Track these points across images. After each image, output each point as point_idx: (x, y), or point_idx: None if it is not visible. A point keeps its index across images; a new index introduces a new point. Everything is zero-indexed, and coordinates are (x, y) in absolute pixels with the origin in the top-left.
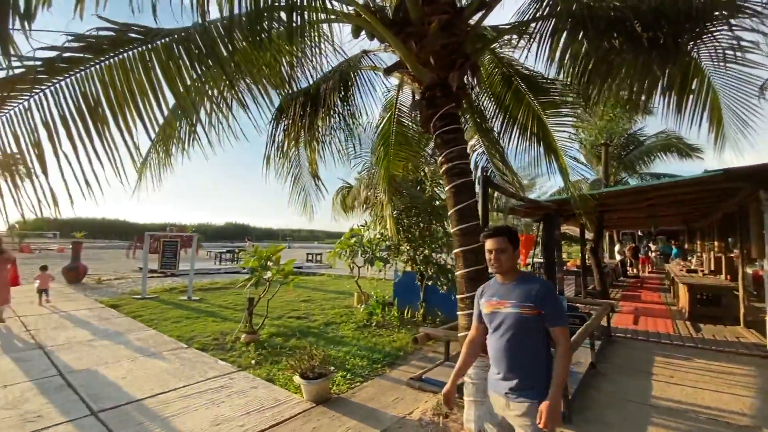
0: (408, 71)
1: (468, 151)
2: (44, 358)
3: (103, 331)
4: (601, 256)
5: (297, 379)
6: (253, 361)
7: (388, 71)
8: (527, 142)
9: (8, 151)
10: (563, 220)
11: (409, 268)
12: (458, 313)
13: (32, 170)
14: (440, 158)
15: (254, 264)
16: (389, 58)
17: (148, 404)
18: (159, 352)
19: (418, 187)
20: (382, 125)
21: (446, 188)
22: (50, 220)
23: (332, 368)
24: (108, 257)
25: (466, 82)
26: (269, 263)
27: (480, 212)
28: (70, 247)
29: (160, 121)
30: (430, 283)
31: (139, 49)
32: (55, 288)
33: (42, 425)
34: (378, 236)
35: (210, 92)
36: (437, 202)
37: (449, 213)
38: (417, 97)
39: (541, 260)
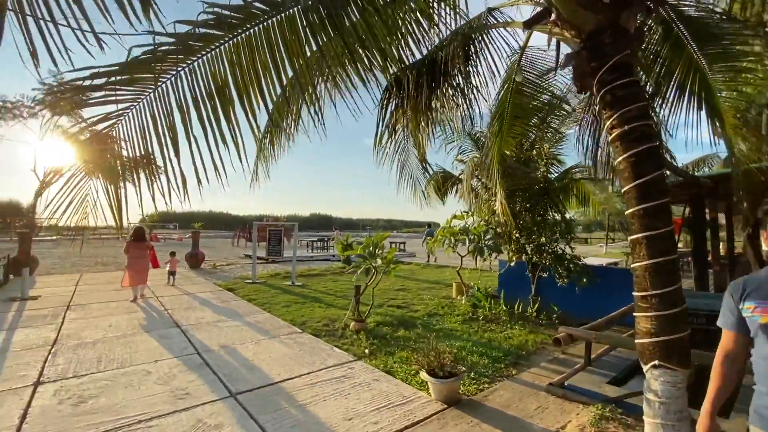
0: (558, 19)
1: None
2: (182, 336)
3: (226, 312)
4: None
5: (424, 375)
6: (366, 351)
7: (530, 24)
8: (683, 104)
9: (146, 133)
10: (710, 200)
11: (515, 258)
12: (637, 314)
13: (168, 158)
14: (610, 121)
15: (360, 251)
16: (517, 12)
17: (279, 389)
18: (277, 335)
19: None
20: (499, 96)
21: (619, 159)
22: (171, 212)
23: (463, 368)
24: (218, 245)
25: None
26: (377, 251)
27: None
28: (190, 236)
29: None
30: (545, 275)
31: (265, 24)
32: (180, 272)
33: (191, 403)
34: (483, 223)
35: (326, 68)
36: (553, 185)
37: (624, 189)
38: (570, 50)
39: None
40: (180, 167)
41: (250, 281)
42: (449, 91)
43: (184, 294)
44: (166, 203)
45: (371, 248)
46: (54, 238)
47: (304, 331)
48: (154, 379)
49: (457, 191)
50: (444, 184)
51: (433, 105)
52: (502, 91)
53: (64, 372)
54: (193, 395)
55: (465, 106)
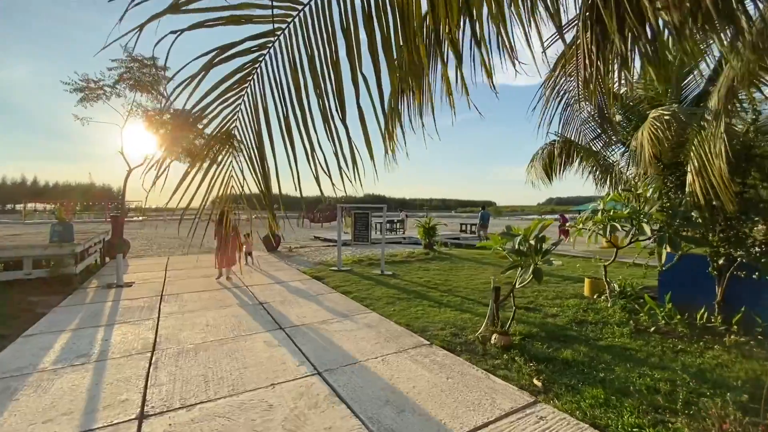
0: None
1: None
2: (290, 343)
3: (327, 310)
4: None
5: None
6: (535, 381)
7: None
8: None
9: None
10: None
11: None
12: None
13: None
14: None
15: (500, 243)
16: None
17: None
18: (403, 348)
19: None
20: None
21: None
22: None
23: None
24: (284, 226)
25: None
26: (538, 244)
27: None
28: (256, 217)
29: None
30: (741, 274)
31: None
32: (258, 255)
33: None
34: (655, 203)
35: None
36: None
37: None
38: None
39: None
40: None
41: (336, 268)
42: None
43: (274, 282)
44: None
45: (533, 241)
46: (140, 219)
47: (433, 343)
48: (281, 420)
49: (580, 164)
50: (561, 155)
51: None
52: None
53: (170, 398)
54: None
55: None
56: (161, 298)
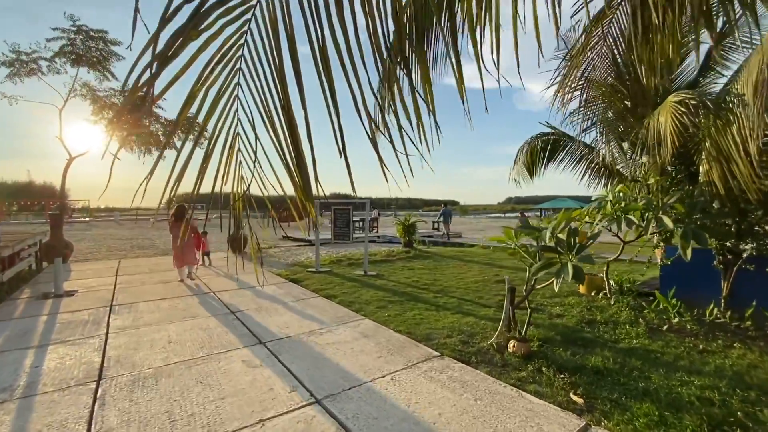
0: None
1: None
2: (275, 363)
3: (311, 318)
4: None
5: None
6: (573, 396)
7: None
8: None
9: None
10: None
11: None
12: None
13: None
14: None
15: (515, 238)
16: None
17: None
18: (412, 362)
19: None
20: None
21: None
22: (193, 194)
23: None
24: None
25: None
26: (571, 239)
27: None
28: (217, 217)
29: None
30: (751, 268)
31: None
32: (224, 257)
33: None
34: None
35: None
36: None
37: None
38: None
39: None
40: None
41: (314, 270)
42: None
43: (245, 287)
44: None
45: (561, 235)
46: (87, 219)
47: (443, 354)
48: None
49: (567, 157)
50: (545, 150)
51: None
52: None
53: None
54: None
55: None
56: (110, 310)
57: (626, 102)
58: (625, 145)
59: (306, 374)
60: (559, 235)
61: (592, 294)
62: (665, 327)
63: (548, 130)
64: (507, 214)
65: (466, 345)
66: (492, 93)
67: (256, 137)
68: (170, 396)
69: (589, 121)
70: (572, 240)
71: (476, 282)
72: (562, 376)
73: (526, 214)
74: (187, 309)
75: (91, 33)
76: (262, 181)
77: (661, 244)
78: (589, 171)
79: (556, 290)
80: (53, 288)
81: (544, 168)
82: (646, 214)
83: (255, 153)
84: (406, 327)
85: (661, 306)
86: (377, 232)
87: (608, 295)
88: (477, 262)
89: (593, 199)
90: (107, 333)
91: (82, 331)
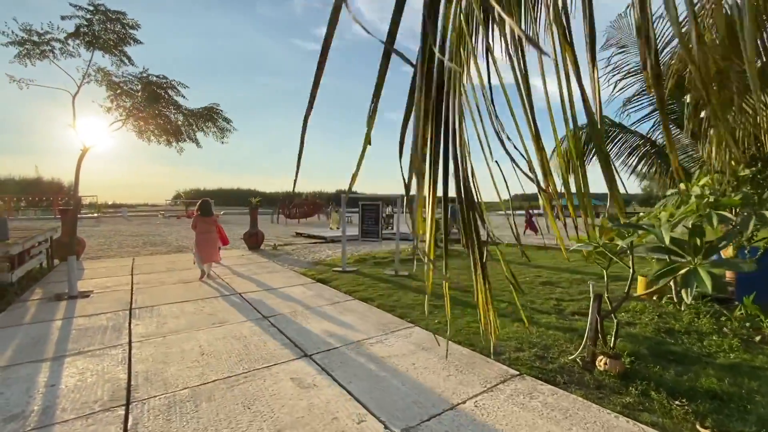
0: None
1: None
2: (331, 383)
3: (357, 327)
4: None
5: None
6: (701, 429)
7: None
8: None
9: None
10: None
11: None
12: None
13: None
14: None
15: (610, 235)
16: None
17: None
18: (492, 385)
19: None
20: None
21: None
22: (200, 189)
23: None
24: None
25: None
26: (696, 239)
27: None
28: (222, 213)
29: None
30: None
31: None
32: (242, 254)
33: None
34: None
35: None
36: None
37: None
38: None
39: None
40: None
41: (340, 269)
42: None
43: (272, 288)
44: None
45: (677, 233)
46: (95, 215)
47: (522, 373)
48: None
49: (614, 149)
50: (590, 142)
51: None
52: None
53: None
54: None
55: None
56: (131, 314)
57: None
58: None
59: (370, 398)
60: (673, 235)
61: (654, 298)
62: (758, 338)
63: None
64: (518, 212)
65: (544, 361)
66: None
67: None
68: (216, 428)
69: (652, 108)
70: (698, 240)
71: (520, 284)
72: (677, 403)
73: (532, 211)
74: (214, 313)
75: (109, 13)
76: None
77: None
78: (642, 162)
79: (688, 301)
80: (67, 288)
81: (588, 161)
82: (742, 210)
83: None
84: (464, 337)
85: (746, 314)
86: (392, 228)
87: (674, 300)
88: (510, 262)
89: (668, 194)
90: (130, 342)
91: (101, 339)
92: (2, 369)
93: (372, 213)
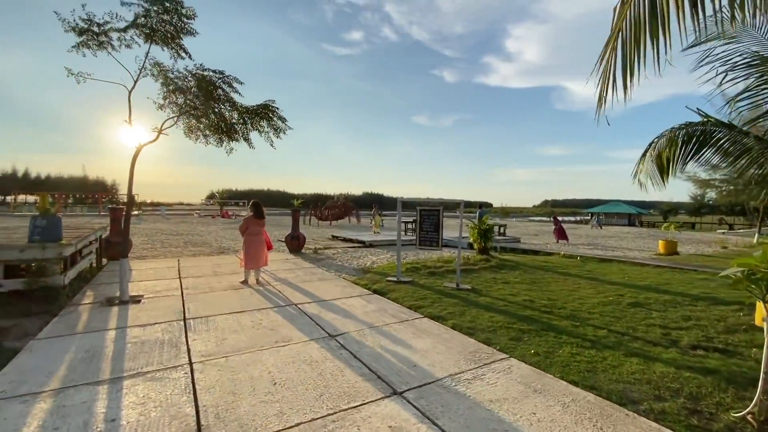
0: None
1: None
2: None
3: (440, 354)
4: None
5: None
6: None
7: None
8: None
9: None
10: None
11: None
12: None
13: None
14: None
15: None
16: None
17: None
18: None
19: None
20: None
21: None
22: (232, 190)
23: None
24: (287, 223)
25: None
26: None
27: None
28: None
29: None
30: None
31: None
32: (286, 258)
33: None
34: None
35: None
36: None
37: None
38: None
39: None
40: None
41: (394, 279)
42: None
43: (328, 299)
44: None
45: None
46: (136, 213)
47: None
48: None
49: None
50: (690, 143)
51: None
52: None
53: None
54: None
55: None
56: (185, 325)
57: None
58: None
59: None
60: None
61: None
62: None
63: (697, 119)
64: (535, 218)
65: (701, 417)
66: (527, 92)
67: None
68: None
69: None
70: None
71: (604, 305)
72: None
73: (558, 218)
74: (274, 328)
75: (166, 4)
76: None
77: None
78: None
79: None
80: (118, 292)
81: (684, 165)
82: None
83: None
84: (578, 375)
85: None
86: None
87: None
88: (577, 276)
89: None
90: (191, 362)
91: (159, 356)
92: (57, 393)
93: (432, 219)
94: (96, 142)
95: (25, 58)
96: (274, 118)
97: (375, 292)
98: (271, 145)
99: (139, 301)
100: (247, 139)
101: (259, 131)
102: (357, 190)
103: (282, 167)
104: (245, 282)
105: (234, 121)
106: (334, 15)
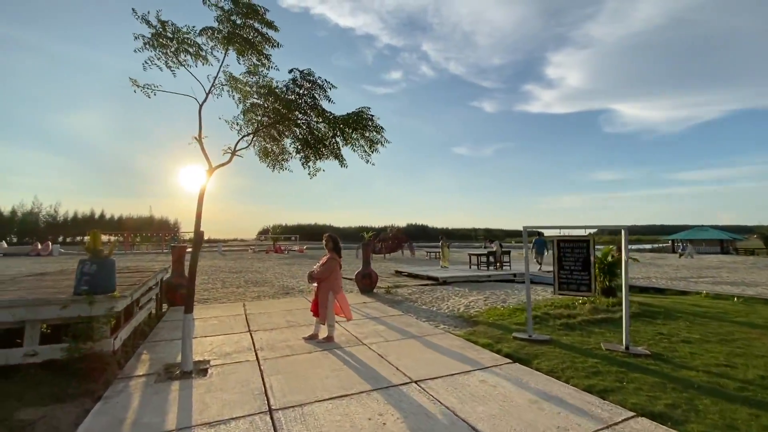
0: None
1: None
2: None
3: None
4: None
5: None
6: None
7: None
8: None
9: None
10: None
11: None
12: None
13: None
14: None
15: None
16: None
17: None
18: None
19: None
20: None
21: None
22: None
23: None
24: (345, 258)
25: None
26: None
27: None
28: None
29: None
30: None
31: None
32: (363, 301)
33: None
34: None
35: None
36: None
37: None
38: None
39: None
40: None
41: (524, 336)
42: None
43: (453, 375)
44: None
45: None
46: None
47: None
48: None
49: None
50: None
51: None
52: None
53: None
54: None
55: None
56: (272, 419)
57: None
58: None
59: None
60: None
61: None
62: None
63: None
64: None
65: None
66: (573, 117)
67: None
68: None
69: None
70: None
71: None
72: None
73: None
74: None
75: (249, 8)
76: None
77: None
78: None
79: None
80: (179, 356)
81: None
82: None
83: None
84: None
85: None
86: (502, 268)
87: None
88: (703, 316)
89: None
90: None
91: None
92: None
93: (578, 253)
94: (162, 186)
95: (102, 113)
96: (370, 129)
97: (510, 357)
98: (367, 161)
99: (205, 373)
100: (338, 156)
101: (352, 146)
102: (401, 221)
103: (323, 204)
104: (329, 339)
105: (321, 134)
106: (374, 58)
